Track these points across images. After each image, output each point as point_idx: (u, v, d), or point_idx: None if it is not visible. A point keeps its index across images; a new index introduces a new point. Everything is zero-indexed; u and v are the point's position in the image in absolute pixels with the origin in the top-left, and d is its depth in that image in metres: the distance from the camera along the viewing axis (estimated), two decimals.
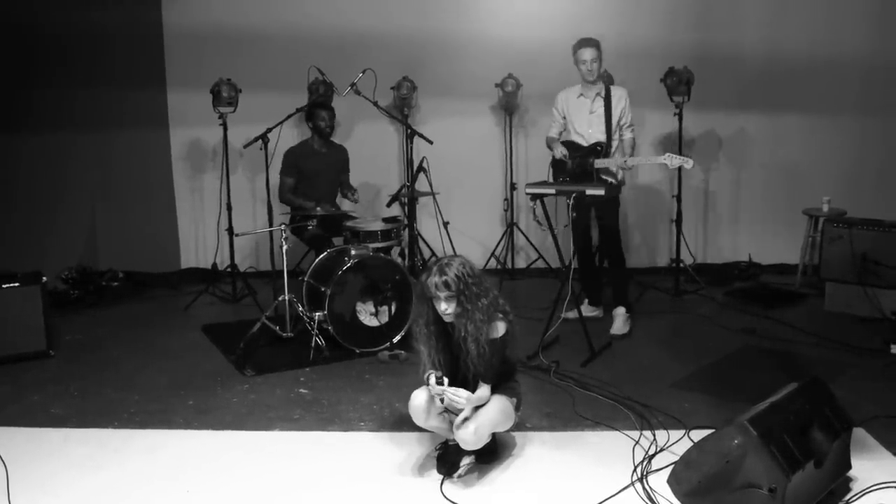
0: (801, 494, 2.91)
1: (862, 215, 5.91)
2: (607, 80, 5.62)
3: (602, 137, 5.35)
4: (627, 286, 5.65)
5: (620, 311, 5.45)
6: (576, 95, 5.49)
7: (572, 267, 5.05)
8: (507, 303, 3.51)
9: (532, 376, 4.59)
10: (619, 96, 5.38)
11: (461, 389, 3.34)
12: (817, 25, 6.72)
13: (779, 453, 2.81)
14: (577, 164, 5.36)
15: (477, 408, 3.39)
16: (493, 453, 3.57)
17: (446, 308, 3.33)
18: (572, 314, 5.15)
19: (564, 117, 5.55)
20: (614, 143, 5.39)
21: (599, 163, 5.28)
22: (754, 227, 7.10)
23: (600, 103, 5.37)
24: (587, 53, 5.29)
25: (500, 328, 3.40)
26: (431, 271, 3.34)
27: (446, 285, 3.29)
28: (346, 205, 6.45)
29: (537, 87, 6.82)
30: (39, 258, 5.99)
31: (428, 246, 6.67)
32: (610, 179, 5.31)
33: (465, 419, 3.35)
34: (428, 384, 3.41)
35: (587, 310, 5.62)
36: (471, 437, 3.31)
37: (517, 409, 3.57)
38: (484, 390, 3.40)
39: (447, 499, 3.24)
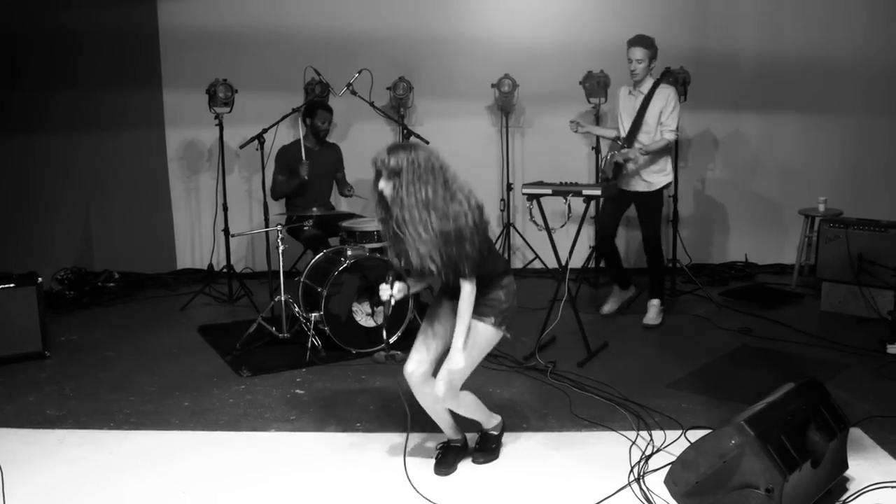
0: (798, 494, 2.91)
1: (858, 215, 5.92)
2: (657, 77, 5.52)
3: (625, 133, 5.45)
4: (663, 280, 5.77)
5: (655, 303, 5.63)
6: (627, 92, 5.53)
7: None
8: (478, 200, 3.24)
9: (529, 377, 4.60)
10: (661, 97, 5.34)
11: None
12: (812, 26, 6.73)
13: (776, 453, 2.81)
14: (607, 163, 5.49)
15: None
16: (490, 454, 3.57)
17: (382, 186, 3.17)
18: (609, 307, 5.56)
19: (619, 116, 5.59)
20: (644, 139, 5.39)
21: (613, 155, 5.37)
22: (750, 227, 7.11)
23: (640, 101, 5.39)
24: (634, 53, 5.28)
25: (459, 218, 3.13)
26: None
27: (383, 162, 3.13)
28: (342, 205, 6.45)
29: (534, 87, 6.83)
30: (35, 259, 5.96)
31: None
32: (647, 179, 5.42)
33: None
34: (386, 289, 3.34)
35: (622, 295, 5.81)
36: (442, 393, 3.28)
37: (501, 324, 3.33)
38: (465, 293, 3.22)
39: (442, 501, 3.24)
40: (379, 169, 3.18)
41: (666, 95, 5.35)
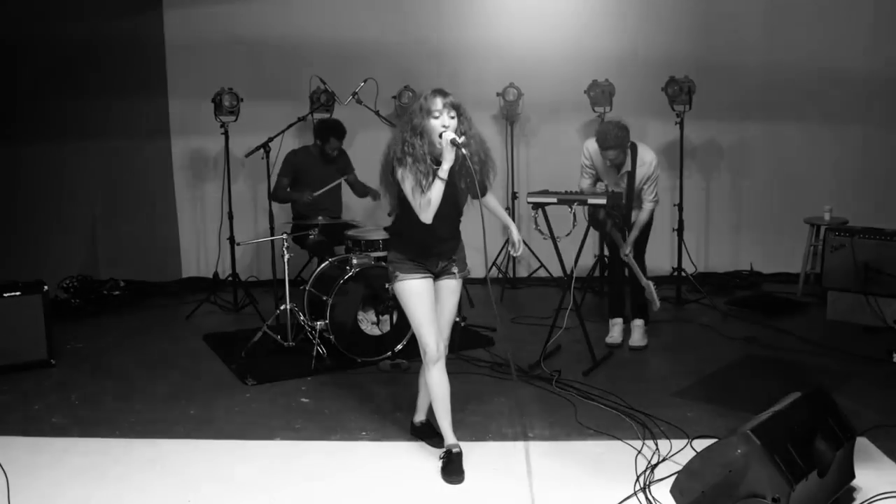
0: None
1: (863, 224, 5.91)
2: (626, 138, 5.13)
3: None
4: (645, 300, 5.46)
5: (639, 323, 5.41)
6: (603, 160, 5.14)
7: (574, 275, 5.05)
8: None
9: (534, 385, 4.59)
10: (644, 170, 5.08)
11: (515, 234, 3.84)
12: (818, 36, 6.73)
13: (782, 463, 2.80)
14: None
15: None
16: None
17: (447, 123, 3.45)
18: (616, 338, 5.38)
19: (595, 170, 5.28)
20: (634, 215, 5.24)
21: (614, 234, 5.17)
22: (756, 235, 7.10)
23: (625, 178, 5.15)
24: (607, 154, 4.99)
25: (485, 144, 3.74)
26: (424, 95, 3.50)
27: (451, 103, 3.50)
28: (347, 214, 6.45)
29: (539, 96, 6.83)
30: (41, 267, 5.99)
31: None
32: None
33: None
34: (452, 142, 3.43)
35: (622, 326, 5.46)
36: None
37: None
38: (496, 201, 3.97)
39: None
40: (434, 110, 3.44)
41: (648, 166, 5.09)
